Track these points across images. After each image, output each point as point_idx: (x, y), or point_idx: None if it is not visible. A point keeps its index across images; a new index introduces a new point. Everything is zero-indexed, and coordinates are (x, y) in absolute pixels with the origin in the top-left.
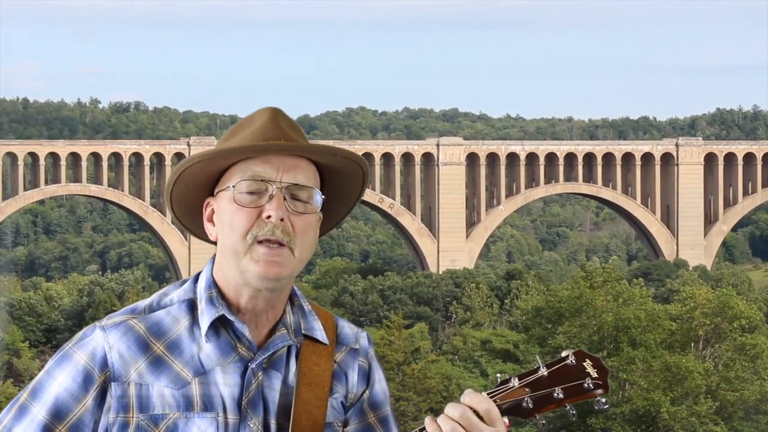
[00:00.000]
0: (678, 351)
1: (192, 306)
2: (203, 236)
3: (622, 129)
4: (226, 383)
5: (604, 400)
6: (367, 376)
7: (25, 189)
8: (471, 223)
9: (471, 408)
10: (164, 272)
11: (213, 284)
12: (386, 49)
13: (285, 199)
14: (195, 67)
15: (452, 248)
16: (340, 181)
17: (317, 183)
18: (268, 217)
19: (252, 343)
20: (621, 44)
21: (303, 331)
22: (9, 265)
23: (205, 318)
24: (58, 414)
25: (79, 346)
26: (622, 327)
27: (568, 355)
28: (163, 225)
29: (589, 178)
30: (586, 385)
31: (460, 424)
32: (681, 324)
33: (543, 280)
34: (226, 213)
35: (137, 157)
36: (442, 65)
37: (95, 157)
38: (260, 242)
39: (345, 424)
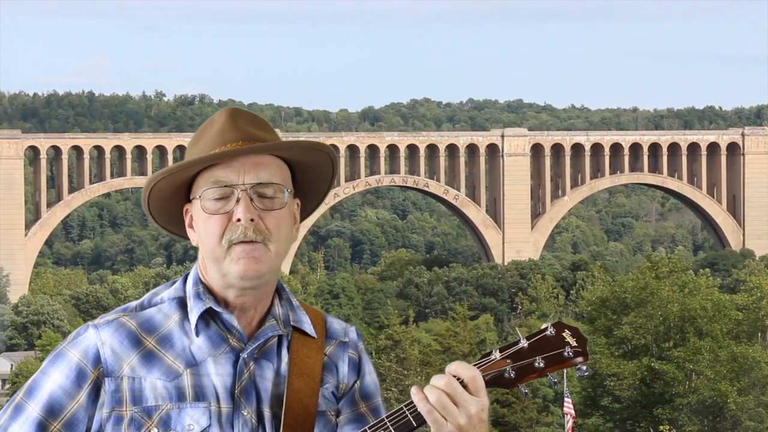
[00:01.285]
0: (745, 341)
1: (182, 303)
2: (190, 239)
3: (688, 119)
4: (218, 373)
5: (584, 367)
6: (357, 368)
7: (91, 182)
8: (536, 214)
9: (456, 377)
10: None
11: (200, 282)
12: (451, 41)
13: (252, 199)
14: (260, 59)
15: (517, 239)
16: (310, 172)
17: (284, 175)
18: (238, 220)
19: (242, 333)
20: (686, 34)
21: (291, 323)
22: (75, 258)
23: (194, 311)
24: (52, 410)
25: (72, 344)
26: (688, 317)
27: (547, 327)
28: None
29: (654, 168)
30: (565, 353)
31: (446, 393)
32: (747, 314)
33: (608, 271)
34: (200, 221)
35: None
36: (507, 56)
37: (160, 150)
38: (236, 244)
39: (337, 414)
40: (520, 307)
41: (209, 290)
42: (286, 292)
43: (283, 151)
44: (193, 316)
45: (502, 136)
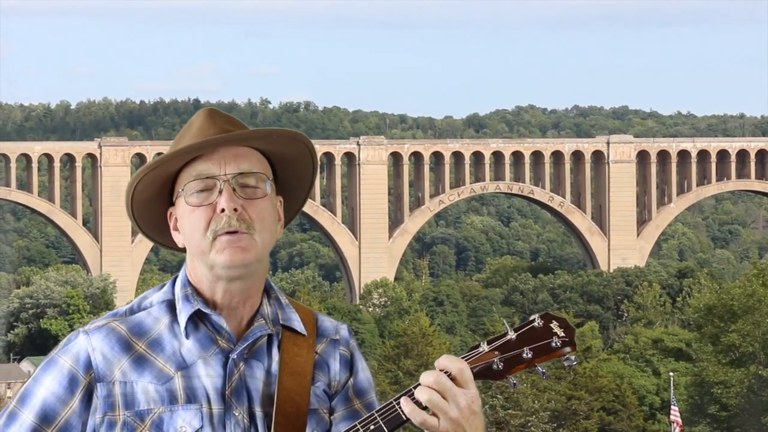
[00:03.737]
0: None
1: (171, 306)
2: (175, 247)
3: None
4: (208, 375)
5: (573, 357)
6: (350, 365)
7: None
8: (642, 221)
9: (444, 371)
10: (334, 272)
11: (188, 284)
12: (556, 47)
13: (234, 189)
14: (365, 66)
15: (623, 246)
16: (289, 163)
17: (265, 169)
18: (222, 210)
19: (231, 334)
20: None
21: (281, 321)
22: (181, 265)
23: (183, 314)
24: (45, 417)
25: (63, 351)
26: None
27: (534, 318)
28: (334, 224)
29: (761, 174)
30: (553, 344)
31: (435, 390)
32: None
33: (715, 278)
34: (184, 216)
35: None
36: (613, 63)
37: None
38: (220, 235)
39: (331, 411)
40: (625, 314)
41: (197, 292)
42: (274, 291)
43: (261, 140)
44: (182, 318)
45: (608, 143)
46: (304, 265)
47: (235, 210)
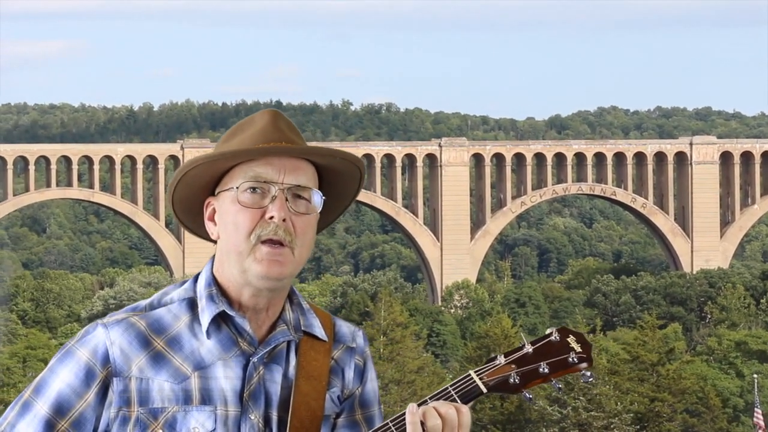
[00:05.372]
0: None
1: (192, 304)
2: (202, 235)
3: None
4: (227, 377)
5: (588, 373)
6: (361, 375)
7: None
8: (725, 222)
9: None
10: (416, 273)
11: (213, 282)
12: (639, 49)
13: (287, 200)
14: (446, 68)
15: (706, 248)
16: (338, 182)
17: (316, 184)
18: (271, 217)
19: (253, 337)
20: None
21: (303, 328)
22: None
23: (206, 314)
24: (60, 409)
25: (81, 343)
26: None
27: (552, 332)
28: (415, 226)
29: None
30: (570, 359)
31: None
32: None
33: None
34: (229, 213)
35: (389, 158)
36: (696, 63)
37: None
38: (263, 242)
39: (336, 417)
40: (709, 316)
41: (222, 291)
42: (296, 296)
43: (326, 157)
44: (205, 318)
45: (691, 144)
46: (386, 267)
47: (284, 220)
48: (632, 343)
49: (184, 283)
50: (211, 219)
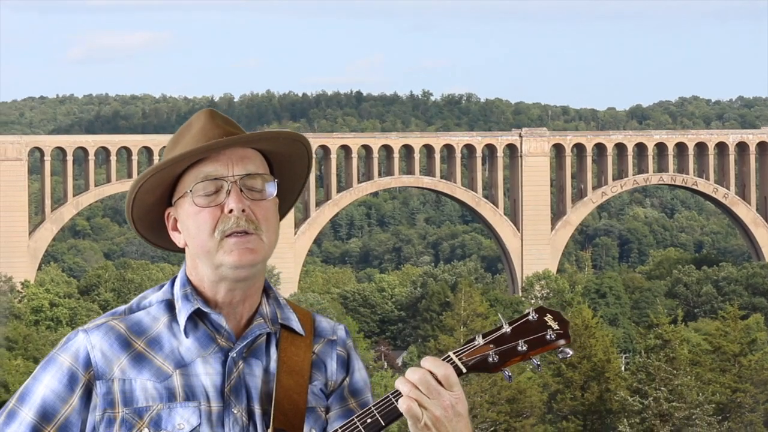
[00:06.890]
0: None
1: (170, 306)
2: (168, 247)
3: None
4: (207, 373)
5: (567, 350)
6: (346, 365)
7: (359, 181)
8: None
9: (430, 372)
10: (496, 263)
11: (187, 283)
12: (721, 38)
13: (241, 190)
14: (527, 58)
15: None
16: (288, 164)
17: (266, 170)
18: (231, 210)
19: (230, 333)
20: None
21: (279, 320)
22: (343, 257)
23: (183, 313)
24: (45, 415)
25: (63, 349)
26: None
27: (529, 312)
28: (495, 216)
29: None
30: (548, 336)
31: (419, 388)
32: None
33: None
34: (189, 217)
35: (469, 148)
36: None
37: (427, 149)
38: (228, 236)
39: (327, 410)
40: None
41: (197, 291)
42: (273, 291)
43: (269, 142)
44: (182, 317)
45: None
46: (466, 257)
47: (243, 211)
48: (714, 333)
49: (162, 286)
50: (175, 228)
